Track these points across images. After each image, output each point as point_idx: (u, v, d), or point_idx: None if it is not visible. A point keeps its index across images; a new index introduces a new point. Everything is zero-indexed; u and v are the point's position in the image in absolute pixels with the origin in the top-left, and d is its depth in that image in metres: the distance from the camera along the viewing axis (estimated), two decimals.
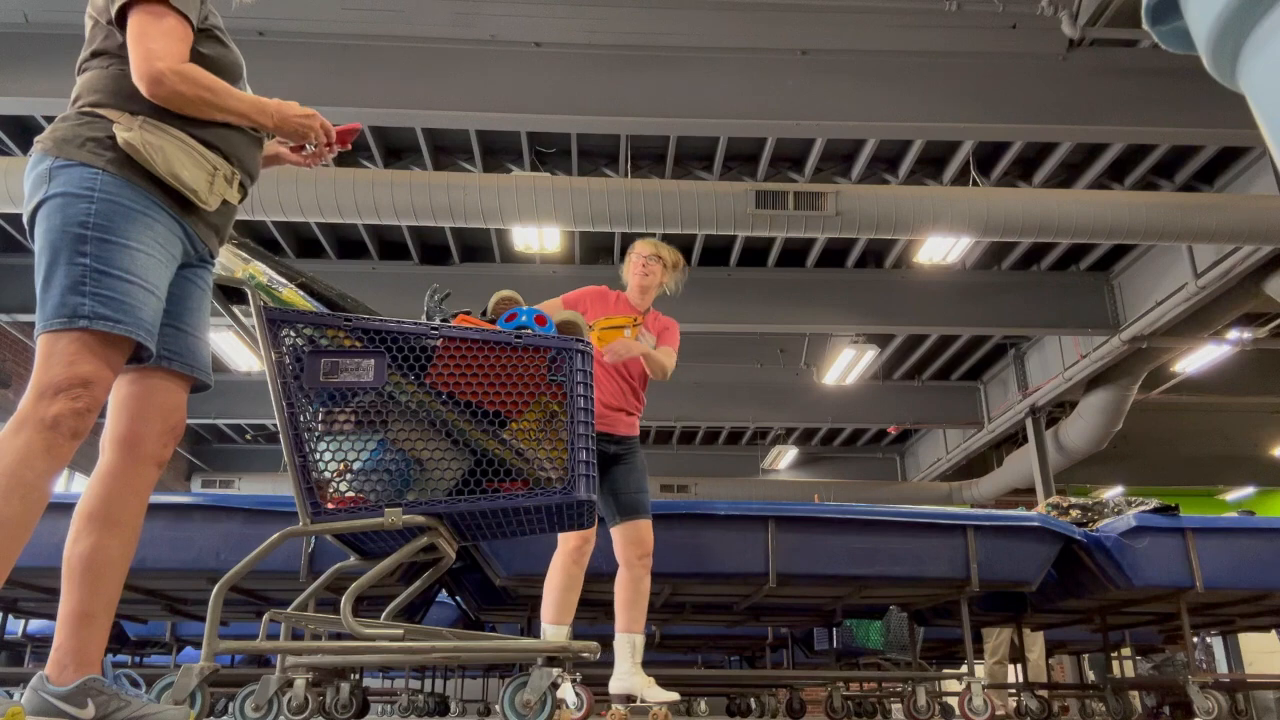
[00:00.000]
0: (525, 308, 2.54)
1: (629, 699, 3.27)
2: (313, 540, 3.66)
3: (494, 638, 2.37)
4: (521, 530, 2.52)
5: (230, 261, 2.37)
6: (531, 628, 5.61)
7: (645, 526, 3.30)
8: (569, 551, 3.25)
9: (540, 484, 2.30)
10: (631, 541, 3.30)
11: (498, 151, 7.92)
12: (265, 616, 2.60)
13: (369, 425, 2.31)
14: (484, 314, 2.63)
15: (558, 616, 3.21)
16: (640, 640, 3.31)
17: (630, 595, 3.30)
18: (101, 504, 1.72)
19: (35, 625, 5.79)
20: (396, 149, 7.94)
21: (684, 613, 5.07)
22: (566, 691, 3.18)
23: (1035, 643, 6.44)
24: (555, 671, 2.28)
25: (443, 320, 2.52)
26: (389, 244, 9.41)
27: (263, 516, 3.56)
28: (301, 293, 2.41)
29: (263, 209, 6.75)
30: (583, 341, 2.37)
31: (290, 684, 3.38)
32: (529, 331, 2.41)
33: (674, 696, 3.22)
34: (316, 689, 3.40)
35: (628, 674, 3.28)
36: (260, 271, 2.36)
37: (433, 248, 9.49)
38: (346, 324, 2.33)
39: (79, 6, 6.03)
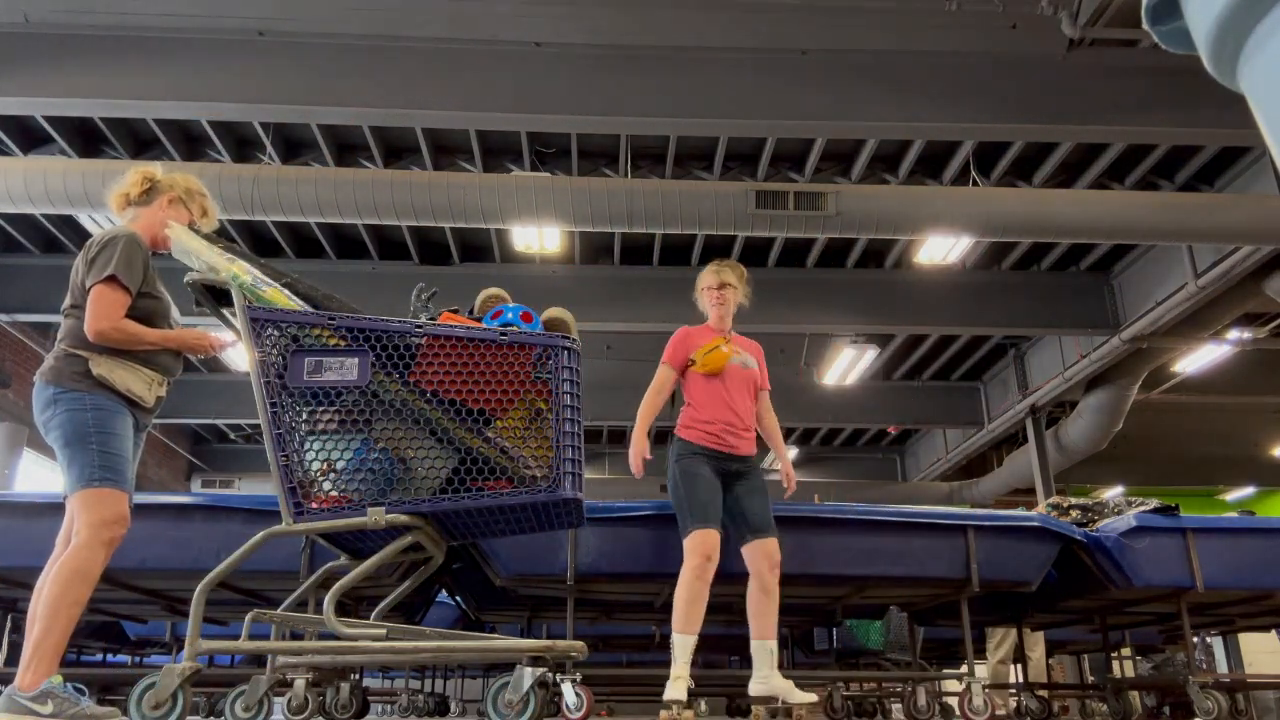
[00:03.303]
0: (511, 305, 2.52)
1: (769, 701, 3.40)
2: (311, 540, 3.65)
3: (479, 637, 2.36)
4: (510, 529, 2.50)
5: (215, 262, 2.36)
6: (531, 628, 5.61)
7: (774, 543, 3.49)
8: (693, 568, 3.35)
9: (525, 482, 2.28)
10: (763, 555, 3.46)
11: (498, 151, 7.92)
12: (249, 616, 2.59)
13: (353, 424, 2.30)
14: (470, 312, 2.62)
15: (685, 626, 3.33)
16: (774, 645, 3.45)
17: (763, 605, 3.44)
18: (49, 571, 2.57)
19: None
20: (396, 149, 7.94)
21: None
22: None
23: (1036, 643, 6.44)
24: (539, 671, 2.26)
25: (429, 318, 2.50)
26: (389, 244, 9.41)
27: (263, 516, 3.55)
28: (286, 292, 2.40)
29: (263, 209, 6.75)
30: (569, 338, 2.35)
31: (284, 684, 3.37)
32: (515, 329, 2.39)
33: (812, 698, 3.35)
34: (316, 689, 3.39)
35: (767, 678, 3.40)
36: (244, 271, 2.36)
37: (433, 248, 9.49)
38: (330, 322, 2.32)
39: (79, 7, 6.05)
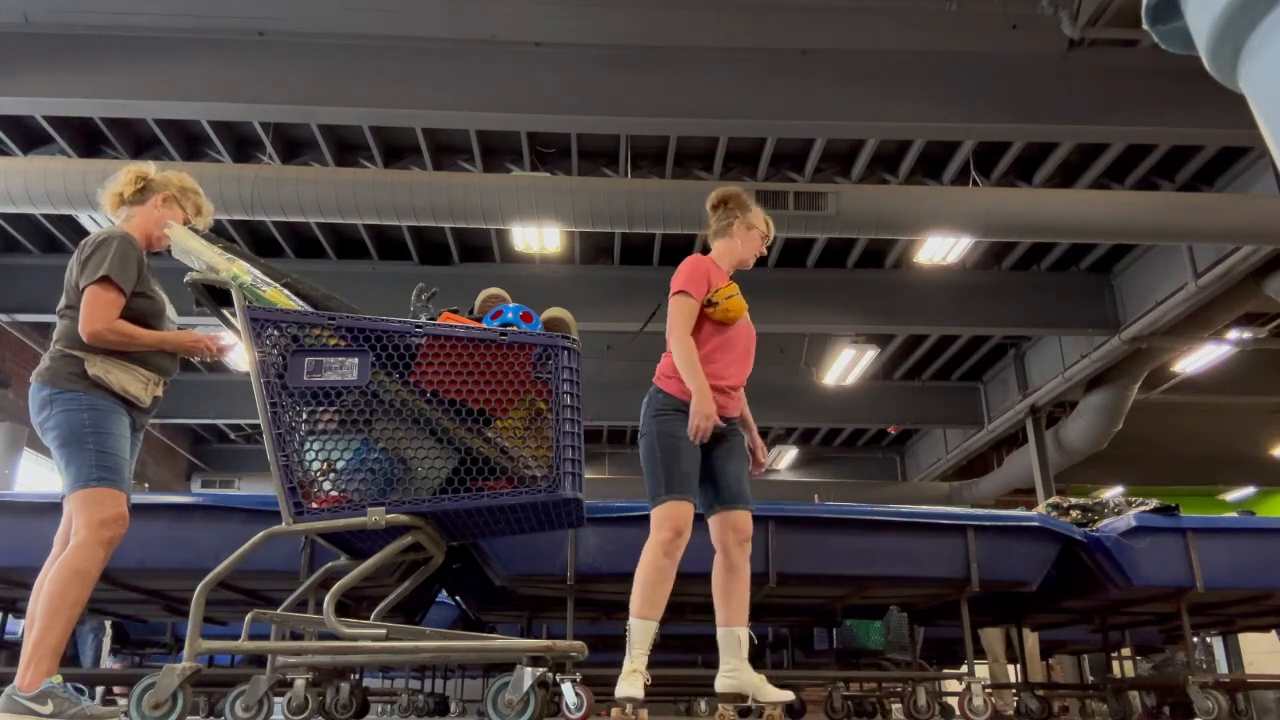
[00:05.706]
0: (511, 305, 2.52)
1: (738, 698, 2.96)
2: (311, 540, 3.65)
3: (479, 637, 2.36)
4: (510, 529, 2.50)
5: (215, 262, 2.36)
6: (531, 628, 5.61)
7: (746, 516, 3.04)
8: (662, 543, 2.90)
9: (525, 482, 2.28)
10: (732, 529, 3.01)
11: (498, 151, 7.92)
12: (249, 616, 2.59)
13: (353, 424, 2.30)
14: (470, 312, 2.62)
15: (646, 610, 2.88)
16: (745, 634, 2.97)
17: (730, 585, 2.99)
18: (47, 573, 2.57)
19: None
20: (396, 149, 7.94)
21: (684, 613, 5.06)
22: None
23: (1028, 640, 6.44)
24: (539, 671, 2.25)
25: (429, 318, 2.50)
26: (389, 244, 9.41)
27: (263, 516, 3.55)
28: (286, 292, 2.40)
29: (263, 209, 6.75)
30: (569, 338, 2.35)
31: (284, 684, 3.37)
32: (515, 329, 2.39)
33: (788, 696, 2.91)
34: (316, 689, 3.39)
35: (735, 670, 2.95)
36: (244, 271, 2.36)
37: (433, 248, 9.49)
38: (330, 322, 2.32)
39: (79, 7, 6.05)
